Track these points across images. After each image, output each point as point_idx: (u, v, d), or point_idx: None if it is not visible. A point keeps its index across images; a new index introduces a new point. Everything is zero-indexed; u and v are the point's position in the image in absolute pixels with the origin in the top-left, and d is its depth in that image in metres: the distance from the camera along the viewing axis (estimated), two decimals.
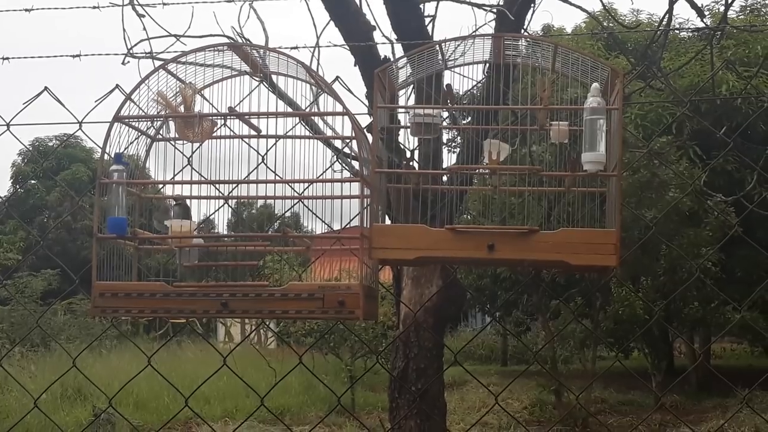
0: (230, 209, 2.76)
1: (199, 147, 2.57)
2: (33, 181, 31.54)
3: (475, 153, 2.89)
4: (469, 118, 2.92)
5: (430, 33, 4.96)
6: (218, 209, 2.65)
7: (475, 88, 2.89)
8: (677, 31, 13.41)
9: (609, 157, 2.33)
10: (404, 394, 4.57)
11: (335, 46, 4.58)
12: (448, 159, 5.02)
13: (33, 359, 15.76)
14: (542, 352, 15.41)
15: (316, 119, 4.03)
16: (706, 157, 12.65)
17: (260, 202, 2.96)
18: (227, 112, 2.47)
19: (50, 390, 10.03)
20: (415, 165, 2.86)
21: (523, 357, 22.10)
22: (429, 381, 4.59)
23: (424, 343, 4.58)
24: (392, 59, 4.80)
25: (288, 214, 2.81)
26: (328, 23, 4.84)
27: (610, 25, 11.12)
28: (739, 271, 13.77)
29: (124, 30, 4.89)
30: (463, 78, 2.65)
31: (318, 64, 4.76)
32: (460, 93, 2.77)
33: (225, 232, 3.09)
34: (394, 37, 4.74)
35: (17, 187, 32.04)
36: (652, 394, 15.23)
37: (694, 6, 5.02)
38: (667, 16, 5.10)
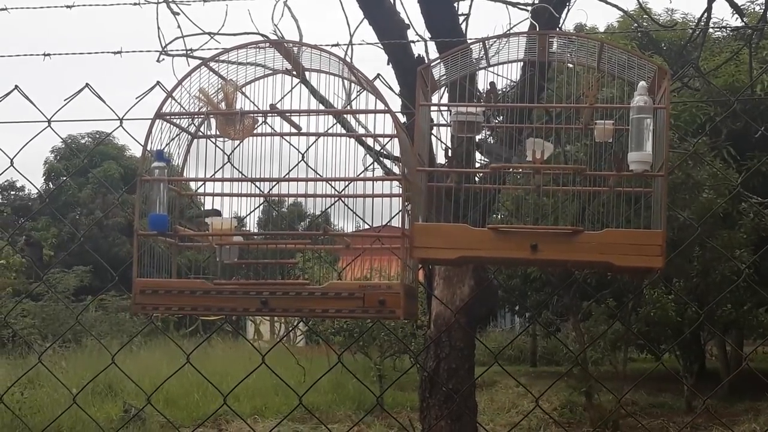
0: (260, 208, 2.75)
1: (239, 144, 2.56)
2: (64, 178, 31.81)
3: (508, 155, 2.86)
4: (501, 118, 2.88)
5: (464, 31, 4.94)
6: (258, 207, 2.65)
7: (508, 87, 2.87)
8: (712, 31, 13.26)
9: (655, 157, 2.29)
10: (435, 394, 4.56)
11: (369, 44, 4.56)
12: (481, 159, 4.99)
13: (65, 355, 15.90)
14: (573, 353, 15.32)
15: (349, 119, 4.02)
16: (740, 157, 12.49)
17: (290, 201, 2.95)
18: (268, 109, 2.46)
19: (81, 385, 10.09)
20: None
21: (552, 358, 21.98)
22: (460, 381, 4.57)
23: (456, 343, 4.56)
24: (426, 58, 4.79)
25: (318, 212, 2.80)
26: (362, 21, 4.83)
27: (645, 24, 11.02)
28: None
29: (158, 28, 4.91)
30: (497, 77, 2.63)
31: (351, 62, 4.76)
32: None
33: (256, 231, 3.08)
34: (427, 35, 4.73)
35: (49, 183, 32.34)
36: (684, 396, 15.09)
37: (733, 5, 4.95)
38: (705, 15, 5.04)
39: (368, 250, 2.67)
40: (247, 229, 2.86)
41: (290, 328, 18.54)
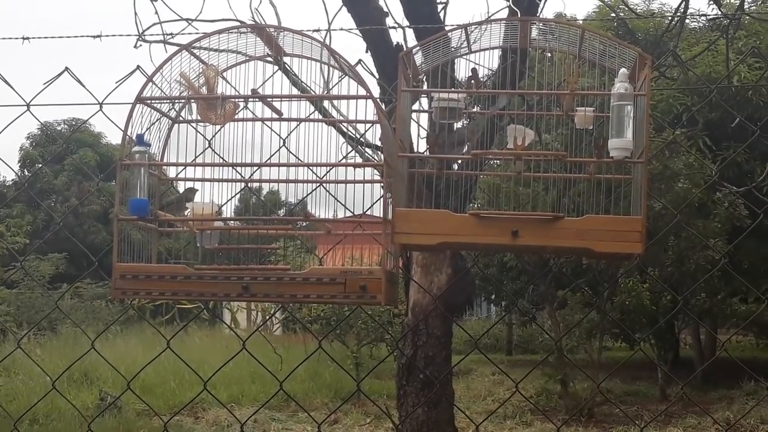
0: (237, 195, 2.75)
1: (220, 129, 2.55)
2: (40, 165, 31.54)
3: (488, 141, 2.88)
4: (477, 107, 2.90)
5: (442, 19, 4.94)
6: (239, 192, 2.64)
7: (485, 77, 2.87)
8: (689, 21, 13.32)
9: (635, 144, 2.31)
10: (412, 382, 4.57)
11: (348, 30, 4.55)
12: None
13: (40, 343, 15.80)
14: (548, 341, 15.42)
15: (328, 106, 4.02)
16: (716, 148, 12.59)
17: (267, 188, 2.94)
18: (250, 94, 2.45)
19: (57, 373, 10.04)
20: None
21: (527, 347, 22.11)
22: (437, 369, 4.58)
23: (433, 331, 4.58)
24: (404, 45, 4.79)
25: (293, 201, 2.80)
26: (341, 9, 4.82)
27: (621, 14, 11.07)
28: (746, 263, 13.73)
29: (135, 14, 4.88)
30: (476, 65, 2.63)
31: (332, 48, 4.75)
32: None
33: (233, 218, 3.08)
34: (406, 23, 4.72)
35: (25, 171, 32.04)
36: (658, 385, 15.23)
37: None
38: (682, 4, 5.07)
39: (346, 240, 2.68)
40: (225, 215, 2.85)
41: (267, 317, 18.53)
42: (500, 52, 2.71)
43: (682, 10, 5.24)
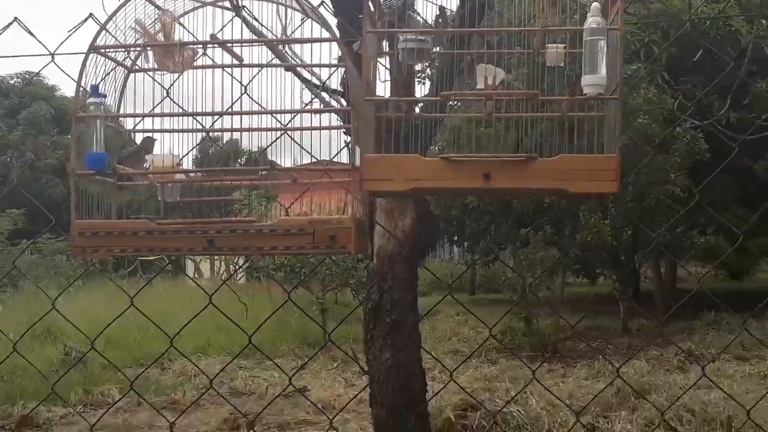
0: (197, 145, 2.65)
1: (178, 77, 2.45)
2: None
3: (449, 82, 2.81)
4: (439, 48, 2.82)
5: None
6: (200, 143, 2.54)
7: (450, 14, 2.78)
8: None
9: (608, 80, 2.24)
10: (379, 326, 4.55)
11: None
12: (420, 90, 4.89)
13: (1, 299, 15.60)
14: (511, 280, 15.53)
15: (291, 51, 3.90)
16: (675, 82, 12.60)
17: (226, 137, 2.85)
18: (209, 40, 2.34)
19: (20, 330, 9.91)
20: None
21: (490, 286, 22.28)
22: (404, 312, 4.56)
23: (399, 275, 4.55)
24: None
25: (256, 149, 2.72)
26: None
27: None
28: (707, 197, 13.88)
29: None
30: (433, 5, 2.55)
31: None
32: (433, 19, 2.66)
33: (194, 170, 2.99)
34: None
35: None
36: (620, 318, 15.44)
37: None
38: None
39: (308, 187, 2.60)
40: (186, 167, 2.76)
41: (233, 268, 18.42)
42: None
43: None
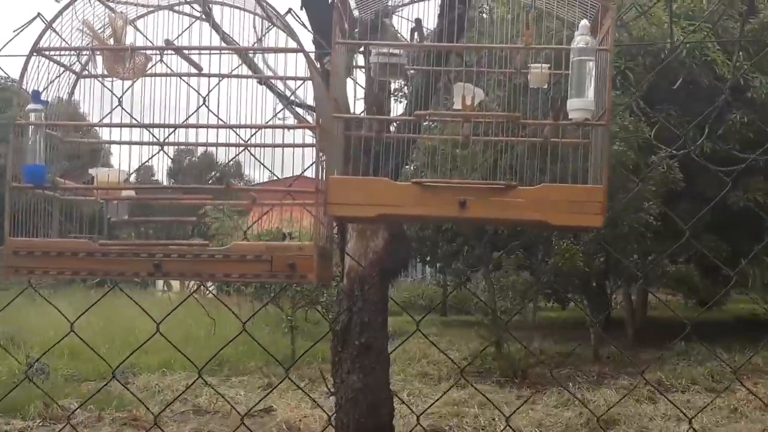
0: (148, 159, 2.45)
1: (131, 86, 2.25)
2: None
3: (424, 102, 2.64)
4: (414, 65, 2.65)
5: None
6: (152, 157, 2.34)
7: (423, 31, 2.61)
8: None
9: (596, 104, 2.07)
10: (347, 349, 4.41)
11: None
12: (395, 109, 4.73)
13: None
14: (482, 304, 15.38)
15: (260, 62, 3.71)
16: (650, 110, 12.55)
17: (201, 149, 2.65)
18: (163, 45, 2.15)
19: None
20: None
21: (462, 308, 22.13)
22: (373, 335, 4.41)
23: (369, 297, 4.41)
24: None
25: (230, 162, 2.52)
26: None
27: None
28: (678, 226, 13.81)
29: None
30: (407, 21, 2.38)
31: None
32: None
33: (164, 181, 2.79)
34: None
35: None
36: (591, 345, 15.32)
37: None
38: None
39: (279, 199, 2.41)
40: (155, 179, 2.57)
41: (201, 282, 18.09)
42: (439, 4, 2.45)
43: None
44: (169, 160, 2.48)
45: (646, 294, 18.23)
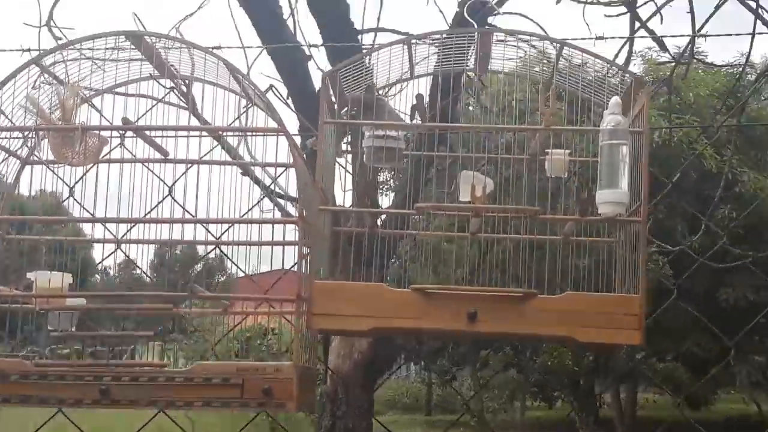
0: (153, 249, 2.12)
1: (84, 174, 1.93)
2: None
3: (415, 193, 2.33)
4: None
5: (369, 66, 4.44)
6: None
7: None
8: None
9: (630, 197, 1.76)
10: None
11: (268, 77, 3.96)
12: (382, 201, 4.44)
13: None
14: (469, 403, 14.93)
15: (240, 146, 3.42)
16: None
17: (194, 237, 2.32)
18: (120, 125, 1.83)
19: None
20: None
21: (447, 407, 21.53)
22: None
23: (353, 401, 4.14)
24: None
25: (211, 255, 2.21)
26: (261, 52, 4.27)
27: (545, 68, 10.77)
28: (666, 322, 13.49)
29: None
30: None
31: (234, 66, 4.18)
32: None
33: (147, 276, 2.46)
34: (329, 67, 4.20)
35: None
36: None
37: (656, 39, 4.59)
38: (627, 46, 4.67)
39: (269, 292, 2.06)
40: (136, 272, 2.24)
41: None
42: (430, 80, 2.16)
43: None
44: (151, 254, 2.16)
45: (635, 393, 17.79)
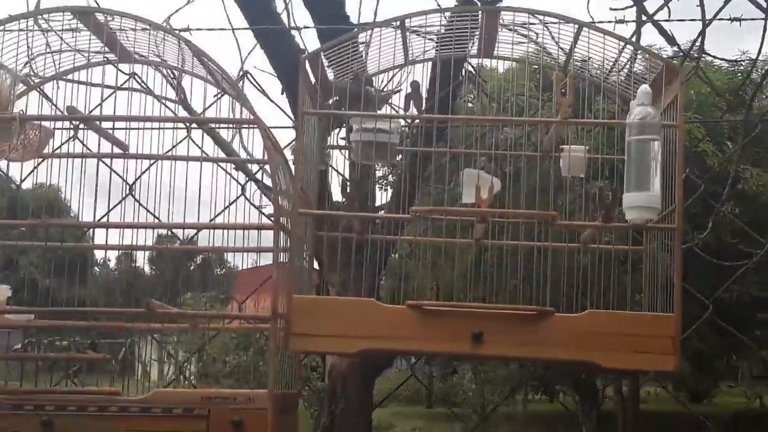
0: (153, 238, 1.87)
1: (34, 168, 1.68)
2: None
3: (411, 191, 2.10)
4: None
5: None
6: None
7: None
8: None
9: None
10: None
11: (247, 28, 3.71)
12: (381, 198, 4.19)
13: None
14: (470, 398, 14.76)
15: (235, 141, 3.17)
16: None
17: (185, 233, 2.07)
18: (65, 114, 1.58)
19: None
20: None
21: (448, 399, 21.34)
22: None
23: (352, 398, 3.97)
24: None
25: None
26: (255, 47, 4.03)
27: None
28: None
29: None
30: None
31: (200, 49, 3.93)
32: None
33: (146, 269, 2.20)
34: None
35: None
36: None
37: (664, 33, 4.34)
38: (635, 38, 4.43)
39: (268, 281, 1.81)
40: (135, 264, 2.00)
41: (184, 372, 17.32)
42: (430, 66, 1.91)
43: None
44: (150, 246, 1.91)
45: (638, 387, 17.59)
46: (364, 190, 1.62)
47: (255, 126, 1.53)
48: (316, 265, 2.00)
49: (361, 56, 1.79)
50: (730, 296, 13.07)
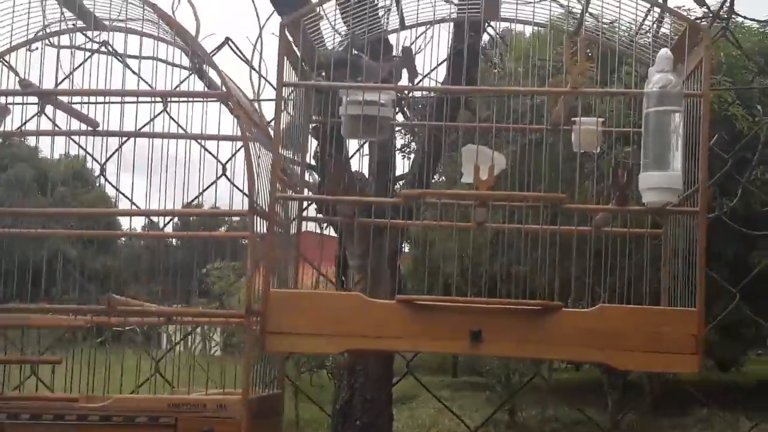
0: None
1: None
2: None
3: (432, 163, 1.93)
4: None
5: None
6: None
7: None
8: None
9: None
10: (348, 428, 3.87)
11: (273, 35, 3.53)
12: (403, 168, 4.01)
13: None
14: (495, 369, 14.61)
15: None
16: None
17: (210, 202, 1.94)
18: (19, 88, 1.42)
19: None
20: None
21: (473, 368, 21.24)
22: (376, 414, 3.86)
23: (371, 372, 3.86)
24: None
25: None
26: (272, 14, 3.85)
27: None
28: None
29: None
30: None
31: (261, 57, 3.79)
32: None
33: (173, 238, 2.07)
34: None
35: None
36: (607, 411, 14.44)
37: None
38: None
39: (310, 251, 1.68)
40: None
41: (208, 342, 17.35)
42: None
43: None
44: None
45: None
46: (350, 170, 1.46)
47: (225, 98, 1.37)
48: (332, 233, 1.85)
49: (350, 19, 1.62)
50: (756, 265, 12.84)
